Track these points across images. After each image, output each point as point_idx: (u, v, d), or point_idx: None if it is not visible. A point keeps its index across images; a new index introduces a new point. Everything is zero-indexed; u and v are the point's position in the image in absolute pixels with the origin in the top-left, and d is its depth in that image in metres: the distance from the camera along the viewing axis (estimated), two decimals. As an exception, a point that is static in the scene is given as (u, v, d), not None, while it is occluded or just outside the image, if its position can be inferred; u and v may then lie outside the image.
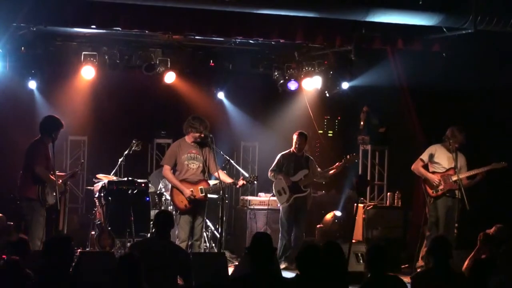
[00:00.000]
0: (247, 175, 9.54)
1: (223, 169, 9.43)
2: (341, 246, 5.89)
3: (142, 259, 5.36)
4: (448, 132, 9.32)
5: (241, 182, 9.06)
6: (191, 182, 8.82)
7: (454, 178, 9.12)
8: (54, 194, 8.13)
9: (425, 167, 9.41)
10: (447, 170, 9.23)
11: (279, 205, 10.02)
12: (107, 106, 11.33)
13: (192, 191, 8.75)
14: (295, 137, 9.93)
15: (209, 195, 8.99)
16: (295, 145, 9.90)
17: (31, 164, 8.24)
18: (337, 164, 9.92)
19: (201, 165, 8.86)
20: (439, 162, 9.30)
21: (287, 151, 10.03)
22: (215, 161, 9.00)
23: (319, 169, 10.00)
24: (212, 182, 9.19)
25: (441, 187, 9.17)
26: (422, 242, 9.31)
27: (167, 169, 8.89)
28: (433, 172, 9.31)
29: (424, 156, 9.40)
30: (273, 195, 10.16)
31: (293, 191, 9.85)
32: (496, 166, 9.02)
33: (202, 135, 8.77)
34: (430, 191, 9.27)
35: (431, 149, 9.38)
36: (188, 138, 8.91)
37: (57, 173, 8.37)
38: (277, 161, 10.00)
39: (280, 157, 10.01)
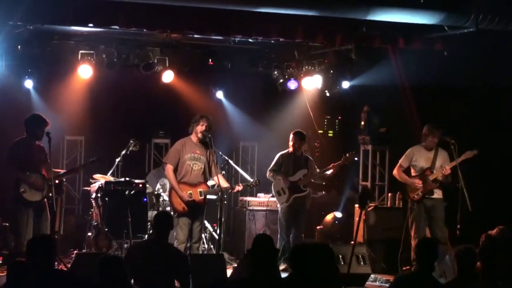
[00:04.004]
0: (248, 178, 9.51)
1: (221, 169, 9.41)
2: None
3: (139, 262, 5.35)
4: (424, 130, 9.35)
5: (237, 188, 9.04)
6: (191, 184, 8.79)
7: (432, 177, 9.17)
8: (40, 191, 8.11)
9: (408, 171, 9.43)
10: (424, 170, 9.26)
11: (278, 205, 10.01)
12: (104, 106, 11.32)
13: (191, 194, 8.71)
14: (290, 136, 9.93)
15: (207, 196, 8.96)
16: (291, 144, 9.89)
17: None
18: (334, 163, 9.87)
19: (203, 166, 8.82)
20: (417, 164, 9.34)
21: (285, 151, 10.01)
22: (217, 164, 8.97)
23: (317, 170, 9.97)
24: (210, 183, 9.18)
25: (420, 189, 9.21)
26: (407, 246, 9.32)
27: (170, 169, 8.81)
28: (415, 176, 9.35)
29: (403, 161, 9.44)
30: (273, 196, 10.15)
31: (292, 191, 9.84)
32: (469, 155, 9.06)
33: (208, 129, 8.70)
34: (411, 195, 9.31)
35: (408, 152, 9.43)
36: (194, 137, 8.86)
37: (55, 169, 8.39)
38: (276, 161, 9.99)
39: (279, 157, 10.00)
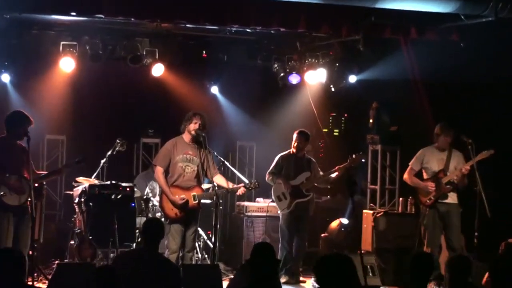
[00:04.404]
0: (246, 181, 9.48)
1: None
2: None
3: (127, 272, 5.37)
4: (436, 130, 9.38)
5: (241, 190, 9.00)
6: (184, 188, 8.78)
7: (445, 180, 9.19)
8: (21, 194, 8.09)
9: (419, 174, 9.45)
10: (437, 173, 9.28)
11: (279, 211, 10.01)
12: (88, 102, 11.33)
13: (183, 199, 8.71)
14: (294, 136, 9.93)
15: (202, 200, 8.96)
16: (294, 145, 9.89)
17: None
18: (339, 165, 9.88)
19: (196, 168, 8.81)
20: (429, 166, 9.37)
21: (286, 152, 10.02)
22: (214, 164, 8.98)
23: (321, 173, 9.98)
24: (205, 186, 9.19)
25: (433, 193, 9.23)
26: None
27: (160, 172, 8.79)
28: (427, 179, 9.37)
29: (414, 163, 9.47)
30: (273, 201, 10.16)
31: (294, 196, 9.85)
32: (485, 156, 9.08)
33: (201, 128, 8.70)
34: (423, 199, 9.33)
35: (419, 153, 9.46)
36: (186, 136, 8.86)
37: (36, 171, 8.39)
38: (275, 163, 9.99)
39: (279, 158, 10.00)
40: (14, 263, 5.30)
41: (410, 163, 9.49)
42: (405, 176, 9.52)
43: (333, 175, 9.90)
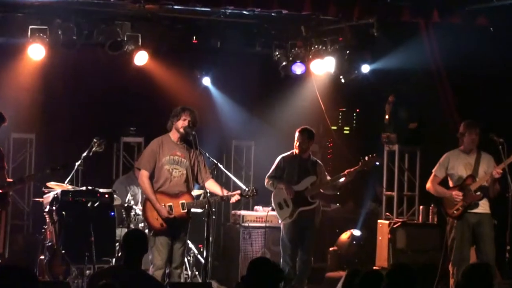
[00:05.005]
0: (243, 186, 9.47)
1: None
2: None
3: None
4: (461, 128, 9.37)
5: (236, 198, 9.01)
6: (171, 194, 8.76)
7: (474, 186, 9.17)
8: None
9: (445, 182, 9.44)
10: (465, 179, 9.27)
11: (280, 221, 10.01)
12: (60, 95, 11.32)
13: (171, 207, 8.70)
14: (296, 135, 9.93)
15: (192, 209, 8.96)
16: (296, 145, 9.88)
17: None
18: (350, 169, 9.87)
19: (185, 172, 8.80)
20: (454, 172, 9.34)
21: (289, 152, 10.00)
22: (206, 167, 8.97)
23: (328, 177, 9.98)
24: (196, 192, 9.16)
25: (460, 203, 9.20)
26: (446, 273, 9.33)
27: (144, 176, 8.75)
28: (453, 187, 9.34)
29: (438, 170, 9.43)
30: (273, 209, 10.15)
31: (297, 203, 9.83)
32: None
33: (191, 125, 8.69)
34: (450, 211, 9.30)
35: (443, 158, 9.42)
36: (174, 135, 8.85)
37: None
38: (276, 166, 9.97)
39: (280, 160, 9.99)
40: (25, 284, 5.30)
41: (433, 170, 9.46)
42: (428, 185, 9.48)
43: (342, 179, 9.88)
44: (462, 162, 9.32)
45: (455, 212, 9.23)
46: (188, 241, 9.44)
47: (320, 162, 10.17)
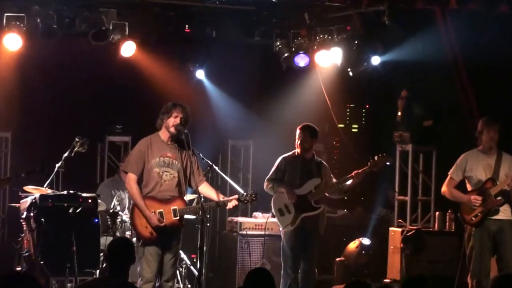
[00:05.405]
0: (241, 191, 9.46)
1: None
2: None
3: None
4: (478, 126, 9.32)
5: (233, 203, 8.98)
6: (161, 199, 8.72)
7: (495, 191, 9.14)
8: None
9: (462, 186, 9.39)
10: (484, 183, 9.24)
11: (281, 229, 10.00)
12: (39, 90, 11.31)
13: (161, 214, 8.68)
14: (297, 132, 9.92)
15: (184, 216, 8.95)
16: (297, 143, 9.87)
17: None
18: (358, 170, 9.86)
19: (177, 175, 8.78)
20: (473, 175, 9.31)
21: (290, 152, 9.99)
22: (200, 169, 8.95)
23: (334, 180, 9.97)
24: (189, 197, 9.14)
25: (478, 209, 9.17)
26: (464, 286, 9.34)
27: (132, 179, 8.71)
28: (470, 191, 9.31)
29: (454, 172, 9.39)
30: (273, 216, 10.14)
31: (300, 209, 9.81)
32: None
33: (183, 123, 8.68)
34: (467, 217, 9.26)
35: (460, 159, 9.38)
36: (164, 134, 8.83)
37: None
38: (277, 167, 9.94)
39: (281, 161, 9.97)
40: None
41: (449, 172, 9.45)
42: (444, 189, 9.46)
43: (350, 182, 9.86)
44: (481, 163, 9.30)
45: (473, 218, 9.21)
46: (180, 251, 9.43)
47: (325, 163, 10.15)
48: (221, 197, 8.89)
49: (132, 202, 8.99)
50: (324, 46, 11.32)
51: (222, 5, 10.55)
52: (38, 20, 10.39)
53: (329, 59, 11.38)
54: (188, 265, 10.29)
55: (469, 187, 9.36)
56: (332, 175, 10.00)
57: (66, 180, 10.05)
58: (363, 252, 10.98)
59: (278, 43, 11.43)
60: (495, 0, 10.00)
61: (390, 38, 11.05)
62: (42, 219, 9.48)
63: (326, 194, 9.96)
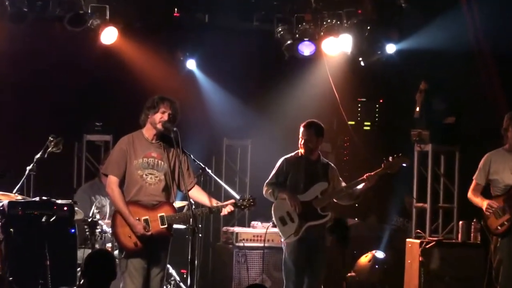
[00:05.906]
0: (237, 196, 9.44)
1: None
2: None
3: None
4: (504, 123, 9.32)
5: (228, 209, 8.97)
6: (147, 205, 8.69)
7: None
8: None
9: (487, 191, 9.40)
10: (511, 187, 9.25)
11: (283, 240, 9.98)
12: (6, 81, 11.27)
13: (147, 222, 8.65)
14: (301, 130, 9.90)
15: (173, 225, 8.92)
16: (301, 142, 9.85)
17: None
18: (370, 173, 9.84)
19: (163, 177, 8.74)
20: (498, 178, 9.30)
21: (293, 153, 9.97)
22: (190, 171, 8.90)
23: (343, 184, 9.95)
24: (178, 204, 9.11)
25: (504, 217, 9.17)
26: None
27: (113, 182, 8.66)
28: (496, 197, 9.31)
29: (478, 176, 9.41)
30: (274, 225, 10.12)
31: (304, 217, 9.78)
32: None
33: (172, 119, 8.66)
34: (492, 226, 9.26)
35: (484, 160, 9.40)
36: (148, 131, 8.79)
37: None
38: (278, 169, 9.91)
39: (282, 162, 9.94)
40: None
41: (474, 177, 9.44)
42: (469, 194, 9.46)
43: (361, 186, 9.83)
44: (508, 164, 9.29)
45: (499, 228, 9.21)
46: (168, 265, 9.42)
47: (333, 165, 10.13)
48: (215, 202, 8.84)
49: (113, 208, 8.95)
50: (332, 33, 11.35)
51: (216, -14, 10.57)
52: (7, 3, 10.38)
53: (337, 47, 11.43)
54: (178, 282, 10.27)
55: (493, 192, 9.34)
56: (340, 179, 9.98)
57: (39, 185, 10.08)
58: (377, 266, 10.98)
59: (280, 29, 11.45)
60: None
61: (407, 23, 11.06)
62: (11, 229, 9.48)
63: (334, 200, 9.94)
